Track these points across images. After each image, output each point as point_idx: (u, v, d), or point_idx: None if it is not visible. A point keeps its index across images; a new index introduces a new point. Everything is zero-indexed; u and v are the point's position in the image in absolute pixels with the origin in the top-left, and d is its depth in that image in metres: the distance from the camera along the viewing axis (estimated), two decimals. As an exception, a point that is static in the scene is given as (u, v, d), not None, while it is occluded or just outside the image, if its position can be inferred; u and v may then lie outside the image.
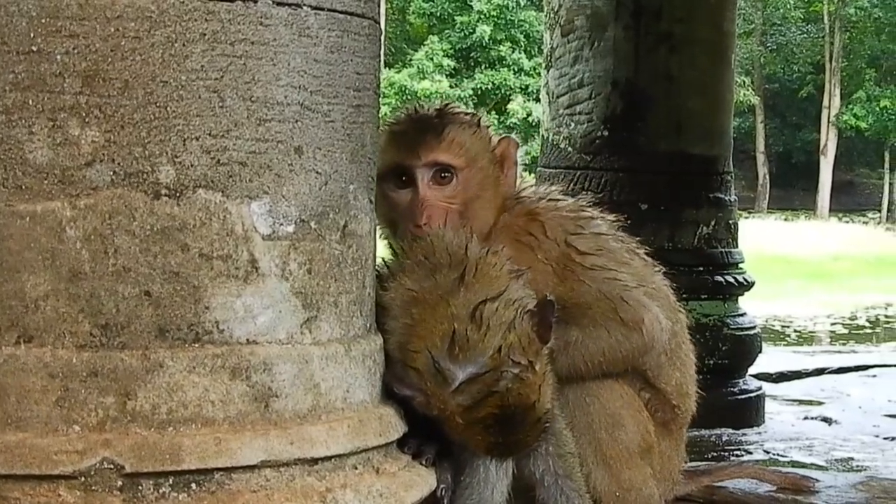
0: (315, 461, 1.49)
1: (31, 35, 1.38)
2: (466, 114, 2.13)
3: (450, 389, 1.69)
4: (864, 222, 31.66)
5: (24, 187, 1.40)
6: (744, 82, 32.80)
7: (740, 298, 5.34)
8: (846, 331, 11.98)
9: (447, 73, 27.73)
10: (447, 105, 2.13)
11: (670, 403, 2.18)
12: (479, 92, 27.42)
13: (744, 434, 4.98)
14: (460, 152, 2.04)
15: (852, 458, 4.66)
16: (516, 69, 27.91)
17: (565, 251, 2.04)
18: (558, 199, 2.17)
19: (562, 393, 1.98)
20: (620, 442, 2.08)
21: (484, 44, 28.07)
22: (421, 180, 2.02)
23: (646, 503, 2.13)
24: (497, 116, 25.01)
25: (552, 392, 1.80)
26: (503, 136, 2.16)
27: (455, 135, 2.05)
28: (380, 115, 1.75)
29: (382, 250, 1.92)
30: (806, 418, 5.60)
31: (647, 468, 2.14)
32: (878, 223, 32.30)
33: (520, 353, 1.72)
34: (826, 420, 5.56)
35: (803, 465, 4.30)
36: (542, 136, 5.35)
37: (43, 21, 1.38)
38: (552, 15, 5.23)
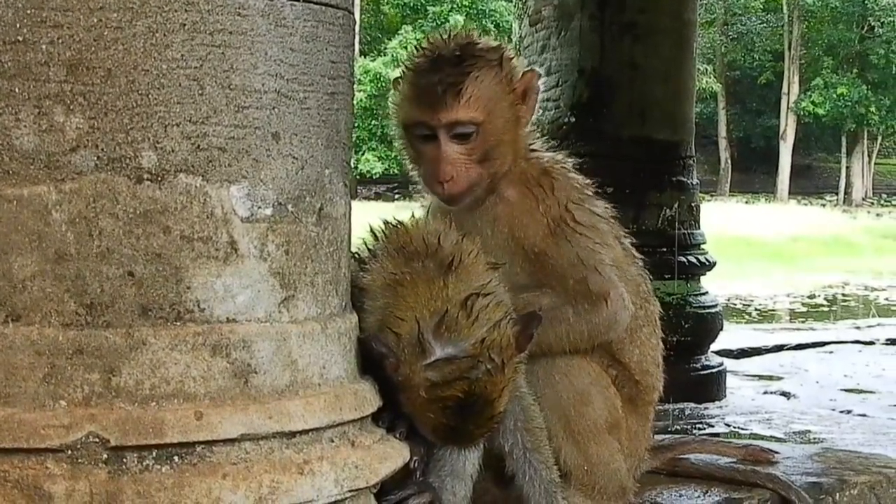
0: (293, 434, 1.52)
1: (17, 25, 1.40)
2: (489, 50, 2.06)
3: (424, 362, 1.72)
4: (822, 205, 32.15)
5: (10, 172, 1.42)
6: (706, 70, 33.05)
7: (703, 278, 5.46)
8: (805, 309, 12.20)
9: (421, 61, 27.64)
10: (469, 44, 2.06)
11: (634, 379, 2.23)
12: (451, 79, 27.35)
13: (706, 408, 5.10)
14: (480, 107, 2.03)
15: (809, 431, 4.79)
16: (486, 58, 27.90)
17: (563, 214, 2.10)
18: (570, 170, 2.21)
19: (531, 370, 2.02)
20: (588, 417, 2.13)
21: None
22: (442, 137, 2.04)
23: (613, 477, 2.18)
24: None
25: (510, 398, 1.84)
26: (526, 70, 2.13)
27: (475, 89, 2.01)
28: (355, 102, 1.79)
29: (359, 232, 1.97)
30: (765, 393, 5.72)
31: (615, 443, 2.18)
32: (836, 206, 32.82)
33: (497, 352, 1.75)
34: (785, 394, 5.69)
35: (763, 438, 4.40)
36: (510, 121, 5.40)
37: (28, 12, 1.40)
38: (521, 5, 5.29)
